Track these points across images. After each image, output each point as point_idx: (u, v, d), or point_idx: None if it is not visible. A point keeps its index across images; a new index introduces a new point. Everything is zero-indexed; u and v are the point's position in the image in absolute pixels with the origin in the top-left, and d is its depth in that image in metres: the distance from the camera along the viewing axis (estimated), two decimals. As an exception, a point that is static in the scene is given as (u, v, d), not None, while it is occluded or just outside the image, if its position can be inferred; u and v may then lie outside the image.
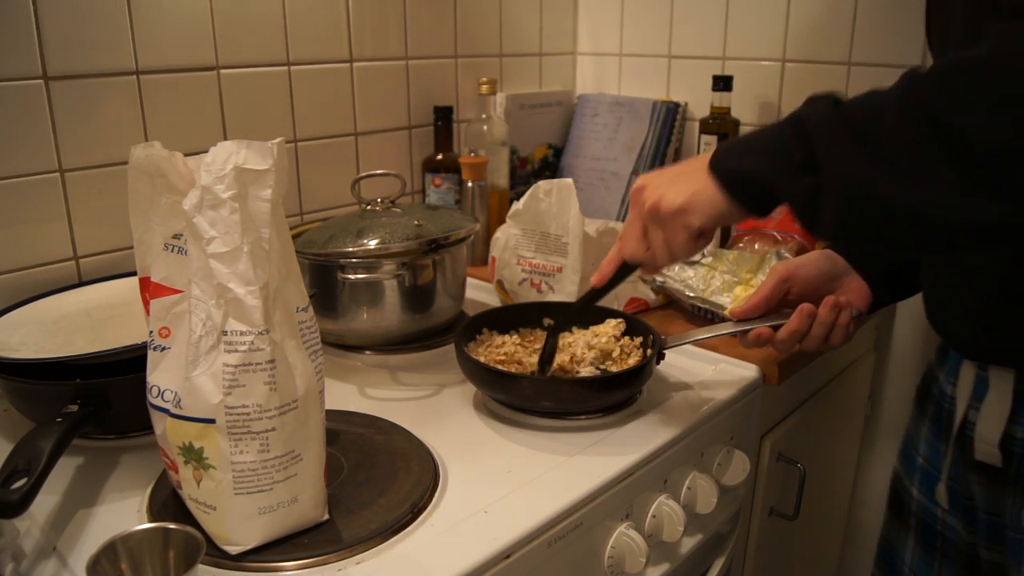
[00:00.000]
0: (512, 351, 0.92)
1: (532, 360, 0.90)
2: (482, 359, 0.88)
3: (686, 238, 0.70)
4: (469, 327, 0.94)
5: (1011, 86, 0.51)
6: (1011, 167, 0.51)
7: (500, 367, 0.87)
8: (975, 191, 0.52)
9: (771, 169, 0.63)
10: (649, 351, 0.90)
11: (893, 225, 0.57)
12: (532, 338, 0.97)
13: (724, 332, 0.88)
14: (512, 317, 0.99)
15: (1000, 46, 0.52)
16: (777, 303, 0.86)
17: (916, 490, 0.83)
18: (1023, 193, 0.52)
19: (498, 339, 0.95)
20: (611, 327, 0.94)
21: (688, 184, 0.68)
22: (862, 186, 0.57)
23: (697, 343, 0.99)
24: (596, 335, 0.93)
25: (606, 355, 0.90)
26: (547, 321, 0.98)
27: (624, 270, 0.79)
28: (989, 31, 0.53)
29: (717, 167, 0.67)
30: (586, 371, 0.88)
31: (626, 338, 0.93)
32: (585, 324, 0.97)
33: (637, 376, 0.84)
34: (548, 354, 0.88)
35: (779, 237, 1.18)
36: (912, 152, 0.54)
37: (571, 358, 0.89)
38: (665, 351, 0.88)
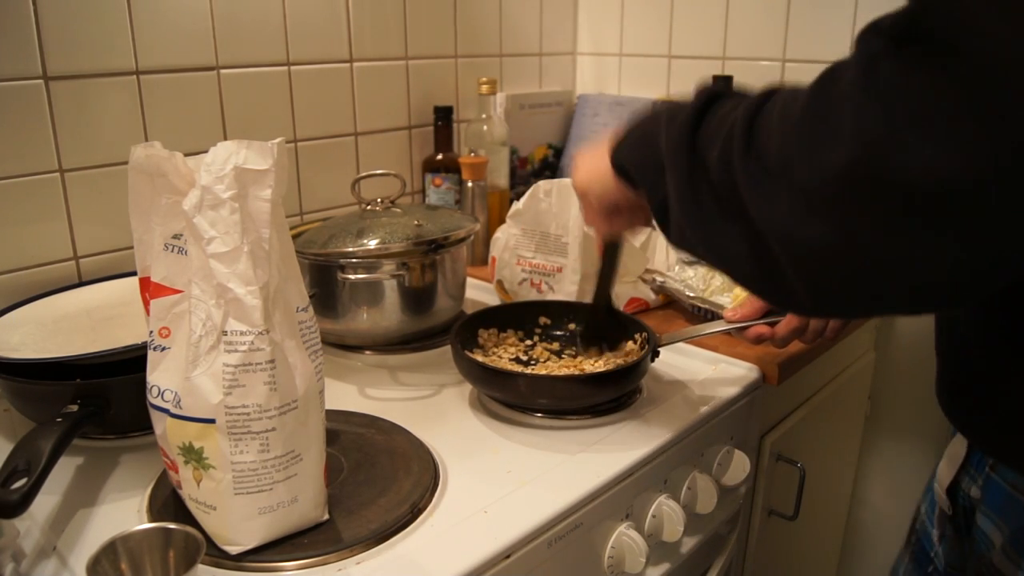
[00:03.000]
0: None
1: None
2: (504, 356, 0.89)
3: (596, 215, 0.74)
4: (465, 326, 0.94)
5: (778, 169, 0.45)
6: (781, 252, 0.46)
7: (495, 365, 0.87)
8: (757, 262, 0.49)
9: (639, 166, 0.63)
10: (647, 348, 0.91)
11: (714, 256, 0.55)
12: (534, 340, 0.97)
13: (718, 330, 0.89)
14: (508, 316, 0.99)
15: (802, 113, 0.44)
16: None
17: (923, 507, 0.80)
18: (796, 283, 0.47)
19: (512, 337, 0.97)
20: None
21: (591, 166, 0.71)
22: (690, 211, 0.54)
23: (695, 342, 1.00)
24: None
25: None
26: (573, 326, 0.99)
27: (609, 245, 0.84)
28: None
29: (612, 151, 0.68)
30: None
31: (629, 342, 0.94)
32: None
33: (631, 373, 0.84)
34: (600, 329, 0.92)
35: (779, 237, 1.18)
36: (718, 196, 0.51)
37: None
38: (660, 348, 0.89)
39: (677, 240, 0.59)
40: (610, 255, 0.86)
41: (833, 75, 0.43)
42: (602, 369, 0.89)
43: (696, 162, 0.53)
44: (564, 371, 0.89)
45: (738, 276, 0.54)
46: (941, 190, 0.39)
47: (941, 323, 0.65)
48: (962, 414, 0.64)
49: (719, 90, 0.57)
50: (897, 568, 0.83)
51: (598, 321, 0.93)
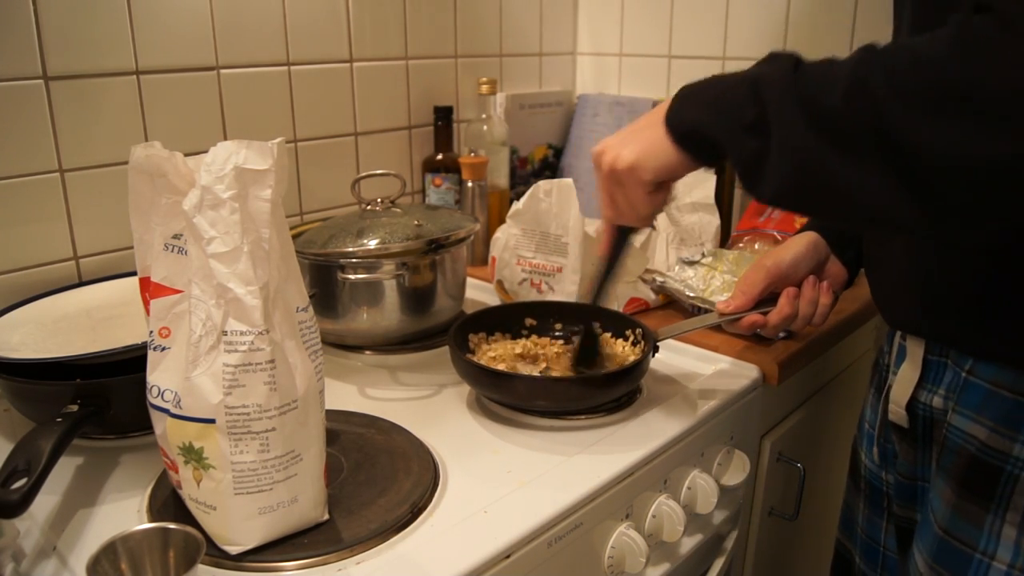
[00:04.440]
0: (529, 348, 0.93)
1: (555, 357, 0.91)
2: (498, 356, 0.89)
3: (643, 193, 0.72)
4: (462, 327, 0.94)
5: (959, 92, 0.49)
6: (943, 176, 0.51)
7: (493, 366, 0.87)
8: (906, 191, 0.52)
9: (720, 125, 0.63)
10: (643, 345, 0.91)
11: (831, 201, 0.58)
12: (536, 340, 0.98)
13: (712, 322, 0.91)
14: (495, 319, 0.98)
15: (956, 45, 0.50)
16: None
17: (864, 454, 0.87)
18: (951, 203, 0.52)
19: (501, 339, 0.96)
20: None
21: (641, 139, 0.70)
22: (808, 157, 0.56)
23: (696, 343, 1.00)
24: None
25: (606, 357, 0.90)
26: (597, 326, 0.96)
27: (621, 234, 0.80)
28: (951, 22, 0.51)
29: (671, 118, 0.68)
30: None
31: (620, 340, 0.94)
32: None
33: (631, 373, 0.84)
34: (586, 355, 0.88)
35: (779, 237, 1.18)
36: (855, 135, 0.53)
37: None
38: (658, 343, 0.89)
39: (775, 194, 0.60)
40: (618, 250, 0.81)
41: (973, 21, 0.49)
42: (602, 371, 0.89)
43: (812, 110, 0.55)
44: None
45: (862, 210, 0.56)
46: None
47: (927, 250, 0.70)
48: (950, 328, 0.70)
49: (792, 54, 0.60)
50: (855, 516, 0.88)
51: (591, 340, 0.89)
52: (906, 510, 0.80)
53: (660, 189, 0.73)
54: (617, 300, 1.09)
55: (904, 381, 0.76)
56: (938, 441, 0.73)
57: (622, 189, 0.73)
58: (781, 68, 0.59)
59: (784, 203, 0.63)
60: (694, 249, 1.16)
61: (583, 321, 0.97)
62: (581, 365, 0.88)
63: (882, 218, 0.56)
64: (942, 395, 0.73)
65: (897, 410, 0.77)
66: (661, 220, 1.21)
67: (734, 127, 0.61)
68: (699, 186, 1.23)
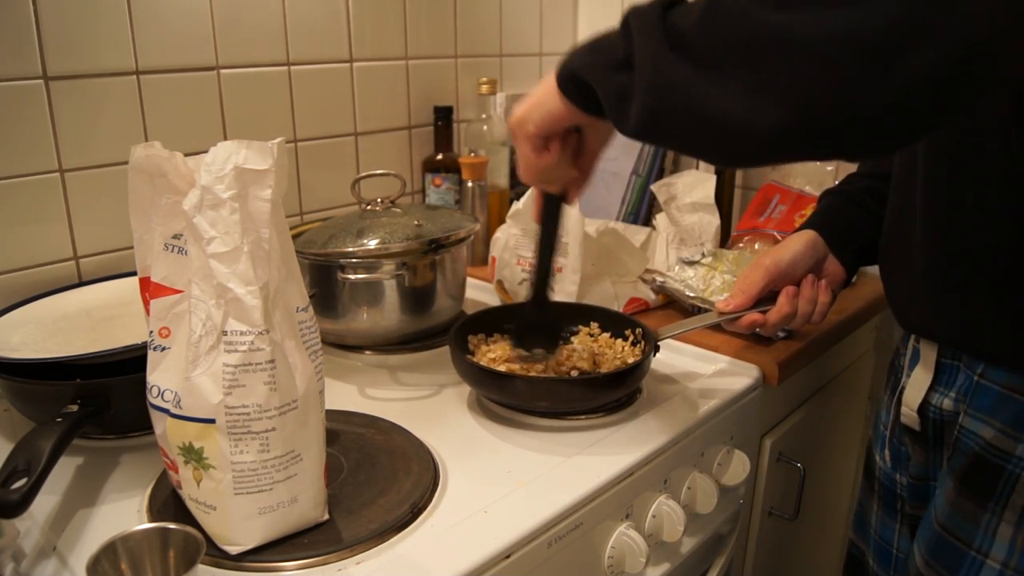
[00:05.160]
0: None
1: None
2: (498, 356, 0.89)
3: (530, 148, 0.70)
4: (463, 328, 0.94)
5: None
6: (789, 57, 0.48)
7: (493, 367, 0.87)
8: (759, 90, 0.49)
9: (595, 64, 0.62)
10: (643, 345, 0.90)
11: (691, 123, 0.55)
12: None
13: (712, 321, 0.91)
14: (495, 320, 0.98)
15: None
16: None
17: (878, 455, 0.87)
18: (802, 91, 0.48)
19: (500, 340, 0.96)
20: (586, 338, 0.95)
21: (537, 94, 0.69)
22: (666, 78, 0.54)
23: (696, 343, 1.00)
24: (595, 341, 0.94)
25: (595, 358, 0.90)
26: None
27: (547, 202, 0.78)
28: None
29: (558, 67, 0.66)
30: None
31: (619, 340, 0.94)
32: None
33: (632, 373, 0.84)
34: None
35: (779, 237, 1.18)
36: (710, 43, 0.52)
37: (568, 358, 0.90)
38: (659, 343, 0.89)
39: (638, 123, 0.58)
40: (546, 217, 0.78)
41: None
42: (604, 371, 0.89)
43: (673, 35, 0.54)
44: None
45: (723, 126, 0.53)
46: None
47: (942, 254, 0.70)
48: (963, 332, 0.71)
49: None
50: (868, 517, 0.89)
51: (537, 316, 0.86)
52: (918, 511, 0.81)
53: (552, 143, 0.71)
54: (617, 300, 1.09)
55: (917, 384, 0.77)
56: (949, 443, 0.74)
57: (518, 146, 0.72)
58: (652, 4, 0.57)
59: (648, 133, 0.60)
60: (694, 249, 1.16)
61: (581, 321, 0.97)
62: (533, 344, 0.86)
63: (742, 132, 0.52)
64: (953, 398, 0.73)
65: (909, 413, 0.78)
66: (661, 220, 1.21)
67: (606, 65, 0.60)
68: (699, 186, 1.23)
